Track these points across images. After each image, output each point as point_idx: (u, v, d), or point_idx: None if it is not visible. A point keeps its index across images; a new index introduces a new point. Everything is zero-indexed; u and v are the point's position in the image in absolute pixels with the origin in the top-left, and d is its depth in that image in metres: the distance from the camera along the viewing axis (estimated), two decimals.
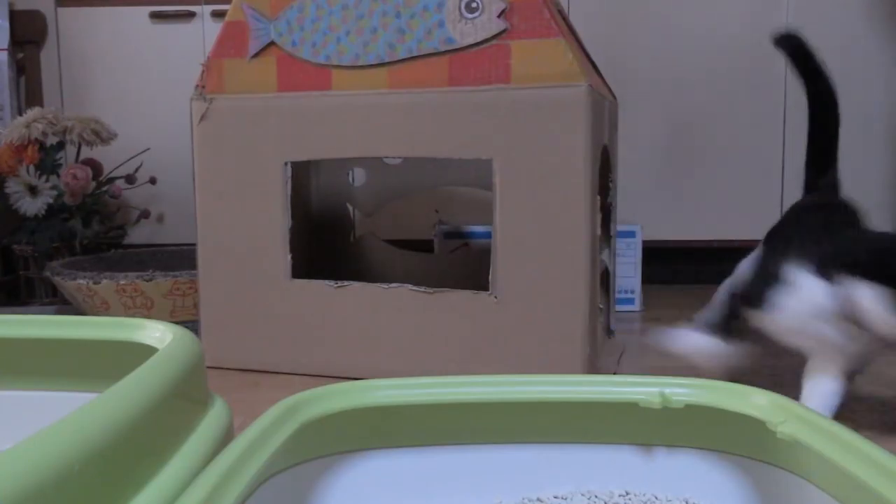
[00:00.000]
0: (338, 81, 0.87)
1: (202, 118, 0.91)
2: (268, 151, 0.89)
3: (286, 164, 0.89)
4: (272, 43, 0.88)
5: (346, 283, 0.88)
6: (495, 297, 0.83)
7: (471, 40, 0.82)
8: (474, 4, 0.81)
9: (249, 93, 0.90)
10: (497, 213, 0.82)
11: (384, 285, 0.87)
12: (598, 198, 0.83)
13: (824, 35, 1.38)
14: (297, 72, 0.88)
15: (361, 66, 0.86)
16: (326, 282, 0.89)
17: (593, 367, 0.82)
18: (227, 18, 0.90)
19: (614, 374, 0.88)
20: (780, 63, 1.39)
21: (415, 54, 0.84)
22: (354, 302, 0.88)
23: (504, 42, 0.81)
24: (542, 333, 0.81)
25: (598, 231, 0.83)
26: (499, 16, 0.80)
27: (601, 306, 0.87)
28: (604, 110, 0.87)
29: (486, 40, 0.81)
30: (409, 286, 0.86)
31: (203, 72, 0.91)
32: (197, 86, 0.91)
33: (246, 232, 0.91)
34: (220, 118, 0.91)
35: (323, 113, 0.87)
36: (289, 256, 0.90)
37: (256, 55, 0.89)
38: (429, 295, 0.85)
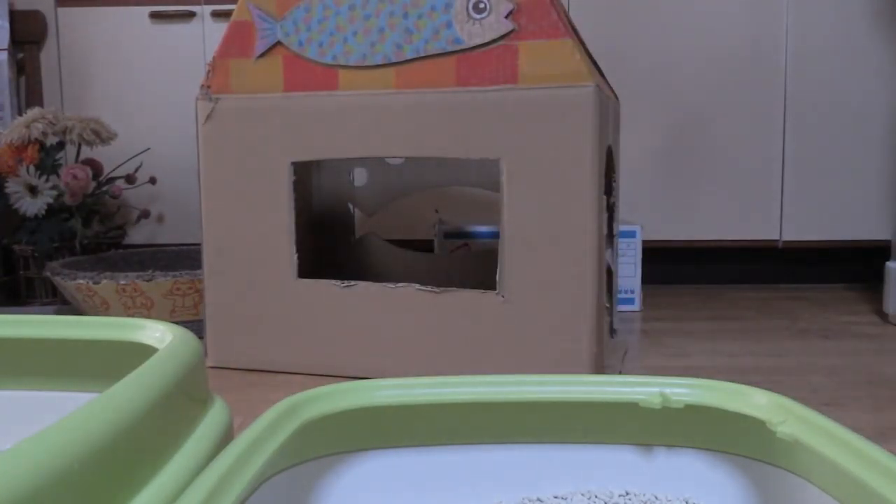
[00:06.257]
0: (345, 82, 0.86)
1: (208, 118, 0.91)
2: (274, 152, 0.89)
3: (292, 164, 0.89)
4: (279, 43, 0.88)
5: (352, 282, 0.88)
6: (502, 297, 0.82)
7: (478, 41, 0.81)
8: (482, 5, 0.81)
9: (255, 93, 0.90)
10: (504, 212, 0.82)
11: (391, 285, 0.87)
12: (604, 197, 0.83)
13: (824, 35, 1.39)
14: (304, 72, 0.88)
15: (368, 67, 0.85)
16: (333, 281, 0.89)
17: (600, 366, 0.82)
18: (233, 18, 0.90)
19: (620, 373, 0.88)
20: (781, 63, 1.39)
21: (422, 55, 0.84)
22: (361, 302, 0.88)
23: (511, 42, 0.81)
24: (550, 333, 0.81)
25: (605, 230, 0.83)
26: (506, 16, 0.80)
27: (607, 305, 0.87)
28: (609, 110, 0.87)
29: (494, 41, 0.81)
30: (416, 286, 0.86)
31: (209, 71, 0.91)
32: (202, 85, 0.91)
33: (251, 232, 0.91)
34: (226, 118, 0.91)
35: (329, 113, 0.87)
36: (295, 256, 0.90)
37: (263, 55, 0.89)
38: (436, 294, 0.85)
